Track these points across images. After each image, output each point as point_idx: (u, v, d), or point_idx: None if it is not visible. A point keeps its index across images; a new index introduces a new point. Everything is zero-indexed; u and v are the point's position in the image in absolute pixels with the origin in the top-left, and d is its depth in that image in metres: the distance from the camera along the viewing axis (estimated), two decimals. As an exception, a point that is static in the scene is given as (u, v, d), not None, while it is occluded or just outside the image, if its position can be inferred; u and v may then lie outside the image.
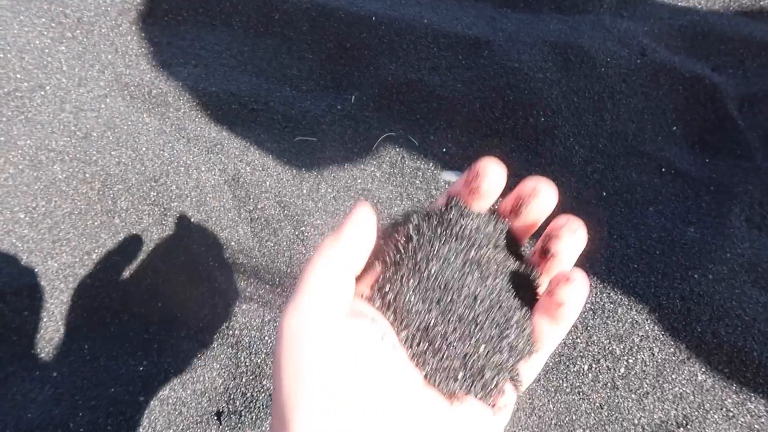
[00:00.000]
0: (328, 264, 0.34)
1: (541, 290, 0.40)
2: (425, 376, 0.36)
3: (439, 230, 0.39)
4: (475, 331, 0.38)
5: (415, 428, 0.33)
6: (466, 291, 0.38)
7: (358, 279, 0.38)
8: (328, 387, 0.31)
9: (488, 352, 0.37)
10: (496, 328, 0.38)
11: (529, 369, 0.38)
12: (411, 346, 0.37)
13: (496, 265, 0.39)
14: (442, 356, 0.37)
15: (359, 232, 0.36)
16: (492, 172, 0.38)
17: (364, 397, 0.31)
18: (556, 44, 0.92)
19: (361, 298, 0.37)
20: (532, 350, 0.38)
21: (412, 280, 0.38)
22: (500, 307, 0.38)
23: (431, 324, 0.37)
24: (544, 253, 0.39)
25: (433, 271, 0.38)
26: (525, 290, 0.39)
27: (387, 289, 0.38)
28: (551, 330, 0.37)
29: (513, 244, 0.41)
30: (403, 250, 0.39)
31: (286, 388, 0.31)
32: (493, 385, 0.37)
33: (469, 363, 0.37)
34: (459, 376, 0.37)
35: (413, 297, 0.38)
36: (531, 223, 0.40)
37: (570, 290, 0.35)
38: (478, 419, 0.35)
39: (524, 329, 0.38)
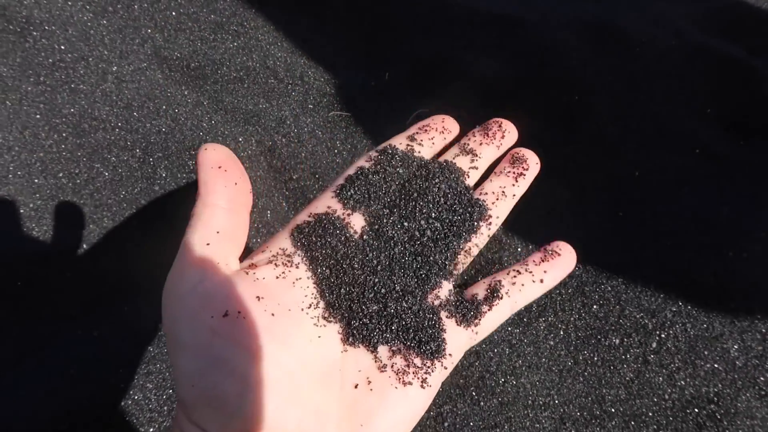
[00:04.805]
0: (196, 237, 0.35)
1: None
2: (345, 329, 0.36)
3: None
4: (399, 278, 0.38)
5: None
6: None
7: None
8: (201, 355, 0.31)
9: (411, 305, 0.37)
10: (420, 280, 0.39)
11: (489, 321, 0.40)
12: (327, 294, 0.36)
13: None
14: (363, 304, 0.36)
15: (219, 189, 0.35)
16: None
17: (246, 360, 0.31)
18: (591, 23, 0.91)
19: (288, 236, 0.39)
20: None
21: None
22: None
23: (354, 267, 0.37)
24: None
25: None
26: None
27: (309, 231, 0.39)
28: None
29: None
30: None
31: (170, 356, 0.32)
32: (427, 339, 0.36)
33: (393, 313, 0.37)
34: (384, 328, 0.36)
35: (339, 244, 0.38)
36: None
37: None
38: (401, 391, 0.35)
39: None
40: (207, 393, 0.31)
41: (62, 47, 0.85)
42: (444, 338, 0.37)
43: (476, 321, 0.38)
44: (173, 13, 0.91)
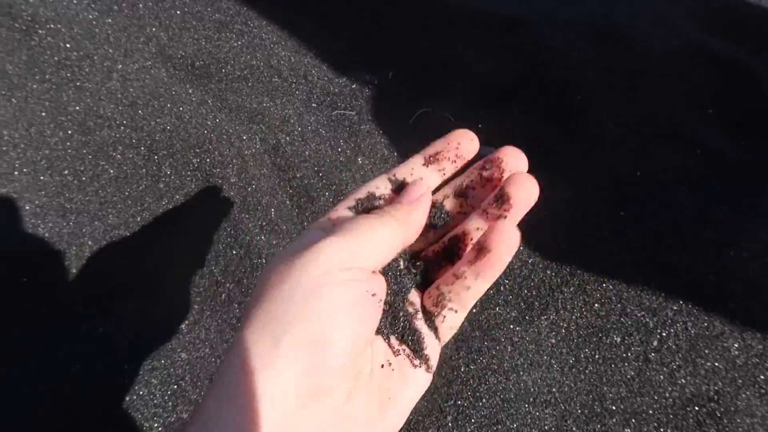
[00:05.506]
0: (383, 239, 0.36)
1: None
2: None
3: None
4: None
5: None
6: None
7: None
8: (312, 339, 0.31)
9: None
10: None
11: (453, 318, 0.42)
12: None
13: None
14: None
15: (415, 221, 0.38)
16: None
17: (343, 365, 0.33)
18: (592, 24, 0.92)
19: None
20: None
21: None
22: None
23: None
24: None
25: None
26: None
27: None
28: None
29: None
30: None
31: (272, 322, 0.31)
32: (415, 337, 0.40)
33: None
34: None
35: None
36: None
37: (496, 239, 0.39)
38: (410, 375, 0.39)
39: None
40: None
41: (67, 45, 0.85)
42: (422, 339, 0.40)
43: (438, 330, 0.41)
44: (178, 12, 0.92)
